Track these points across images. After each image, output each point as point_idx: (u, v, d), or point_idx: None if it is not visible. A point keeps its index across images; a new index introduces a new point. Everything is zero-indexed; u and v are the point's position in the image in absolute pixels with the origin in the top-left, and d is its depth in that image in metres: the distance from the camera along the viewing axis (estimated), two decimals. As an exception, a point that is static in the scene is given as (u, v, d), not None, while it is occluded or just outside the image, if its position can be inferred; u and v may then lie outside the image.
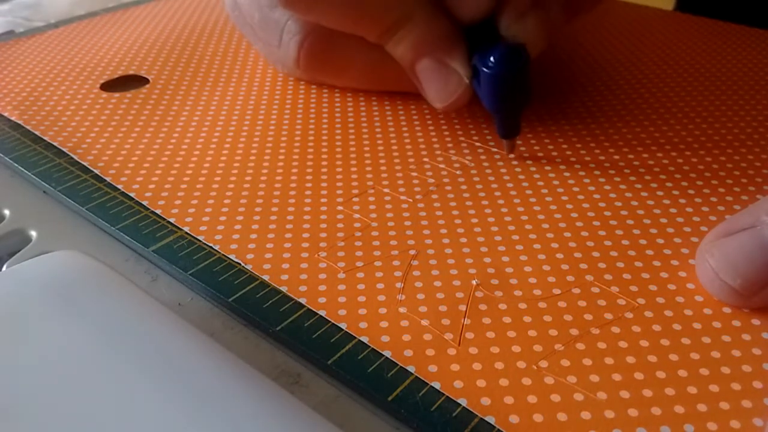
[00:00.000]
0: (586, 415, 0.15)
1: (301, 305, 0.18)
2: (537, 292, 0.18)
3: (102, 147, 0.25)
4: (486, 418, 0.15)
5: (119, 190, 0.23)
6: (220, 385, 0.14)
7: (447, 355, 0.16)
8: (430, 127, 0.27)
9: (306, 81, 0.31)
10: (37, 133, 0.26)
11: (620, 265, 0.19)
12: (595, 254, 0.20)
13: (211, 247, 0.20)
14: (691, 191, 0.23)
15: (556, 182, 0.23)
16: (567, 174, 0.24)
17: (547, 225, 0.21)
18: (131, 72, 0.31)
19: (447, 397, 0.15)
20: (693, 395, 0.15)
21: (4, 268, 0.20)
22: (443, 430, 0.15)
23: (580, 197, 0.22)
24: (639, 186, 0.23)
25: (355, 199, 0.22)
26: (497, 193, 0.23)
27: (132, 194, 0.23)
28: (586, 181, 0.23)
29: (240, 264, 0.20)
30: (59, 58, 0.33)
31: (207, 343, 0.15)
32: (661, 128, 0.26)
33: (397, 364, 0.16)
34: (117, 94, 0.29)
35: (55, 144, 0.25)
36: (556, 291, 0.18)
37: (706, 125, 0.27)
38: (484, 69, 0.22)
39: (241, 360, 0.15)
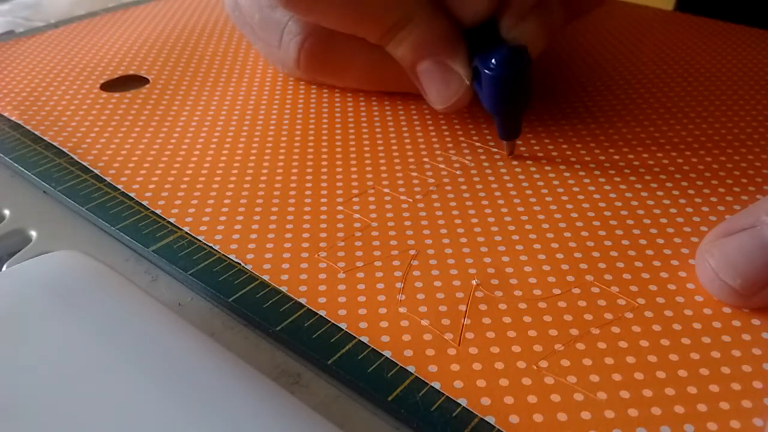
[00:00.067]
0: (586, 415, 0.15)
1: (301, 305, 0.18)
2: (537, 292, 0.18)
3: (102, 147, 0.25)
4: (486, 418, 0.15)
5: (119, 190, 0.23)
6: (220, 385, 0.14)
7: (447, 355, 0.16)
8: (430, 127, 0.27)
9: (306, 81, 0.31)
10: (37, 133, 0.26)
11: (620, 265, 0.19)
12: (595, 254, 0.20)
13: (211, 247, 0.20)
14: (691, 191, 0.23)
15: (556, 182, 0.23)
16: (567, 174, 0.24)
17: (547, 225, 0.21)
18: (131, 72, 0.31)
19: (447, 397, 0.15)
20: (693, 395, 0.15)
21: (4, 268, 0.20)
22: (443, 430, 0.15)
23: (580, 197, 0.22)
24: (639, 186, 0.23)
25: (355, 199, 0.22)
26: (497, 193, 0.23)
27: (132, 194, 0.23)
28: (586, 181, 0.23)
29: (240, 264, 0.20)
30: (59, 58, 0.33)
31: (207, 343, 0.15)
32: (661, 128, 0.26)
33: (397, 364, 0.16)
34: (117, 94, 0.29)
35: (55, 144, 0.25)
36: (556, 291, 0.18)
37: (706, 125, 0.27)
38: (486, 71, 0.22)
39: (241, 360, 0.15)
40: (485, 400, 0.15)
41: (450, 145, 0.26)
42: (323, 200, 0.22)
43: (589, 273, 0.19)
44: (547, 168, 0.24)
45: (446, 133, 0.27)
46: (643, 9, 0.38)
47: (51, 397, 0.13)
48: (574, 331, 0.17)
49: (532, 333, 0.17)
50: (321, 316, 0.18)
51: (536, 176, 0.24)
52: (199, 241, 0.20)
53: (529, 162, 0.24)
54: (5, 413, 0.13)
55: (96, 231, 0.22)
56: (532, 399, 0.15)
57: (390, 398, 0.15)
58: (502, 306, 0.18)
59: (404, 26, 0.24)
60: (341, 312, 0.18)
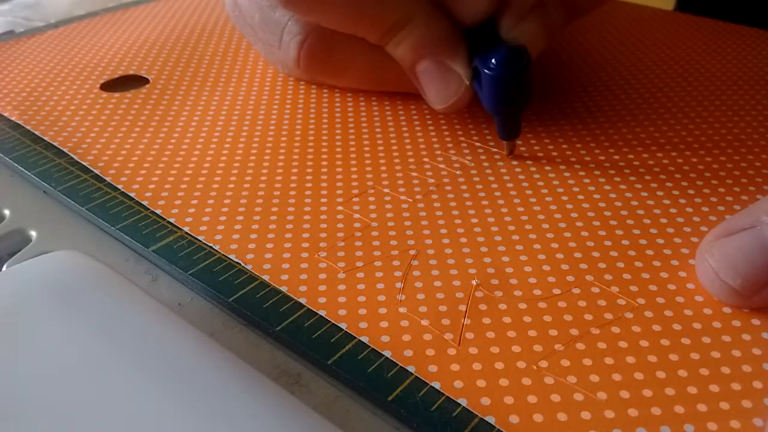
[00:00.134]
0: (586, 415, 0.15)
1: (301, 305, 0.18)
2: (537, 292, 0.18)
3: (102, 147, 0.25)
4: (486, 418, 0.15)
5: (119, 190, 0.23)
6: (220, 385, 0.14)
7: (447, 355, 0.16)
8: (430, 127, 0.27)
9: (306, 81, 0.31)
10: (37, 133, 0.26)
11: (620, 265, 0.19)
12: (595, 254, 0.20)
13: (211, 247, 0.20)
14: (691, 191, 0.23)
15: (556, 182, 0.23)
16: (567, 174, 0.24)
17: (547, 225, 0.21)
18: (131, 72, 0.31)
19: (447, 397, 0.15)
20: (693, 395, 0.15)
21: (4, 268, 0.20)
22: (443, 430, 0.15)
23: (580, 197, 0.22)
24: (639, 186, 0.23)
25: (355, 199, 0.22)
26: (497, 193, 0.23)
27: (132, 194, 0.23)
28: (586, 181, 0.23)
29: (240, 264, 0.20)
30: (59, 58, 0.33)
31: (207, 343, 0.15)
32: (661, 128, 0.26)
33: (397, 364, 0.16)
34: (117, 94, 0.29)
35: (55, 144, 0.25)
36: (556, 291, 0.18)
37: (706, 125, 0.27)
38: (486, 71, 0.22)
39: (241, 360, 0.15)
40: (485, 400, 0.15)
41: (450, 145, 0.26)
42: (323, 200, 0.22)
43: (589, 273, 0.19)
44: (547, 168, 0.24)
45: (446, 133, 0.27)
46: (643, 9, 0.38)
47: (51, 397, 0.13)
48: (574, 331, 0.17)
49: (532, 333, 0.17)
50: (321, 316, 0.18)
51: (536, 176, 0.24)
52: (199, 241, 0.20)
53: (529, 162, 0.24)
54: (5, 413, 0.13)
55: (96, 231, 0.22)
56: (532, 399, 0.15)
57: (390, 398, 0.15)
58: (502, 306, 0.18)
59: (404, 26, 0.24)
60: (341, 312, 0.18)
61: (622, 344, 0.17)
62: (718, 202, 0.22)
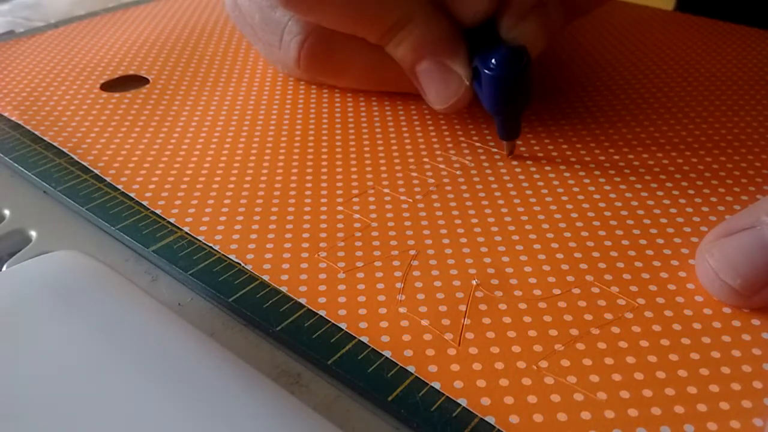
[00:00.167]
0: (586, 415, 0.15)
1: (301, 305, 0.18)
2: (537, 292, 0.18)
3: (102, 147, 0.25)
4: (486, 418, 0.15)
5: (119, 190, 0.23)
6: (220, 385, 0.14)
7: (447, 355, 0.16)
8: (430, 127, 0.27)
9: (306, 81, 0.31)
10: (37, 133, 0.26)
11: (620, 265, 0.19)
12: (595, 254, 0.20)
13: (211, 247, 0.20)
14: (691, 191, 0.23)
15: (556, 182, 0.23)
16: (567, 174, 0.24)
17: (547, 225, 0.21)
18: (131, 72, 0.31)
19: (447, 397, 0.15)
20: (693, 395, 0.15)
21: (4, 268, 0.20)
22: (443, 430, 0.15)
23: (580, 197, 0.22)
24: (639, 186, 0.23)
25: (355, 199, 0.22)
26: (497, 193, 0.23)
27: (132, 194, 0.23)
28: (586, 181, 0.23)
29: (240, 264, 0.20)
30: (59, 58, 0.33)
31: (207, 343, 0.15)
32: (661, 128, 0.26)
33: (397, 364, 0.16)
34: (117, 94, 0.29)
35: (55, 144, 0.25)
36: (556, 291, 0.18)
37: (706, 125, 0.27)
38: (486, 71, 0.22)
39: (241, 360, 0.15)
40: (485, 400, 0.15)
41: (450, 145, 0.26)
42: (323, 200, 0.22)
43: (589, 273, 0.19)
44: (547, 168, 0.24)
45: (446, 133, 0.27)
46: (643, 9, 0.38)
47: (51, 397, 0.13)
48: (574, 331, 0.17)
49: (532, 333, 0.17)
50: (321, 316, 0.18)
51: (536, 176, 0.24)
52: (199, 241, 0.20)
53: (529, 162, 0.24)
54: (5, 413, 0.13)
55: (96, 231, 0.22)
56: (532, 399, 0.15)
57: (390, 398, 0.15)
58: (502, 306, 0.18)
59: (404, 26, 0.24)
60: (341, 312, 0.18)
61: (622, 344, 0.17)
62: (718, 202, 0.22)
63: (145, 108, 0.28)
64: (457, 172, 0.24)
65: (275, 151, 0.25)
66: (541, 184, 0.23)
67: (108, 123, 0.27)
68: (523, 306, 0.18)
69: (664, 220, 0.21)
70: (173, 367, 0.14)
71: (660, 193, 0.23)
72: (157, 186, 0.23)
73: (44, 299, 0.15)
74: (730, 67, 0.32)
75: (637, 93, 0.29)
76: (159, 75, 0.31)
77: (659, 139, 0.26)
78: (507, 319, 0.17)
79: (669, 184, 0.23)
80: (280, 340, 0.17)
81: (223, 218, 0.21)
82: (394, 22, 0.23)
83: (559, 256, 0.20)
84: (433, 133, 0.26)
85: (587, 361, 0.16)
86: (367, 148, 0.25)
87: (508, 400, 0.15)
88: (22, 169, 0.24)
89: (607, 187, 0.23)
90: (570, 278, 0.19)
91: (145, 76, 0.31)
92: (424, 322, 0.17)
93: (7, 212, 0.23)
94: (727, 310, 0.18)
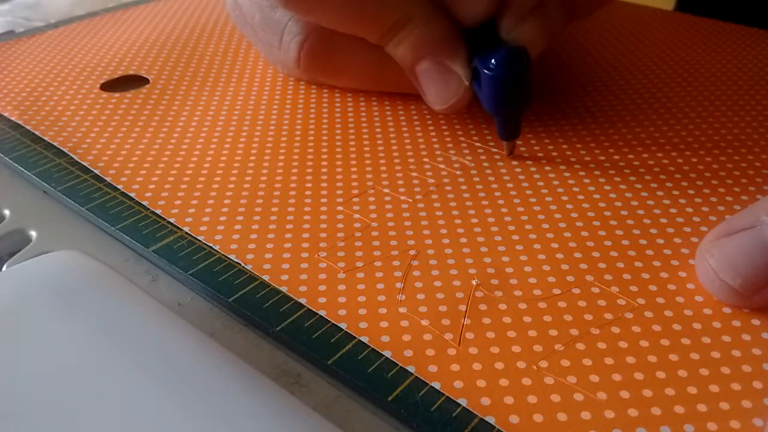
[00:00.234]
0: (586, 415, 0.15)
1: (301, 305, 0.18)
2: (537, 292, 0.18)
3: (102, 147, 0.25)
4: (486, 418, 0.15)
5: (119, 190, 0.23)
6: (220, 385, 0.14)
7: (447, 355, 0.16)
8: (430, 127, 0.27)
9: (306, 81, 0.31)
10: (37, 133, 0.26)
11: (620, 265, 0.19)
12: (595, 254, 0.20)
13: (211, 247, 0.20)
14: (691, 191, 0.23)
15: (556, 182, 0.23)
16: (567, 174, 0.24)
17: (547, 225, 0.21)
18: (131, 72, 0.31)
19: (447, 397, 0.15)
20: (693, 395, 0.15)
21: (4, 268, 0.20)
22: (443, 430, 0.15)
23: (580, 197, 0.22)
24: (639, 186, 0.23)
25: (355, 199, 0.22)
26: (497, 193, 0.23)
27: (132, 194, 0.23)
28: (586, 181, 0.23)
29: (240, 264, 0.20)
30: (59, 58, 0.33)
31: (207, 343, 0.15)
32: (661, 128, 0.26)
33: (397, 364, 0.16)
34: (117, 94, 0.29)
35: (55, 144, 0.25)
36: (556, 291, 0.18)
37: (706, 125, 0.27)
38: (486, 71, 0.22)
39: (241, 360, 0.15)
40: (485, 400, 0.15)
41: (450, 145, 0.26)
42: (323, 200, 0.22)
43: (589, 273, 0.19)
44: (547, 168, 0.24)
45: (446, 133, 0.27)
46: (643, 9, 0.38)
47: (51, 397, 0.13)
48: (574, 331, 0.17)
49: (532, 333, 0.17)
50: (321, 316, 0.18)
51: (536, 176, 0.24)
52: (199, 241, 0.20)
53: (529, 162, 0.24)
54: (5, 413, 0.13)
55: (96, 231, 0.22)
56: (532, 399, 0.15)
57: (390, 398, 0.15)
58: (502, 306, 0.18)
59: (404, 26, 0.24)
60: (341, 312, 0.18)
61: (622, 344, 0.17)
62: (718, 202, 0.22)
63: (145, 108, 0.28)
64: (457, 172, 0.24)
65: (275, 151, 0.25)
66: (541, 184, 0.23)
67: (108, 123, 0.27)
68: (523, 306, 0.18)
69: (664, 220, 0.21)
70: (173, 367, 0.14)
71: (660, 193, 0.23)
72: (157, 186, 0.23)
73: (44, 299, 0.15)
74: (730, 67, 0.32)
75: (637, 93, 0.29)
76: (159, 75, 0.31)
77: (659, 139, 0.26)
78: (507, 319, 0.17)
79: (669, 184, 0.23)
80: (280, 340, 0.17)
81: (223, 218, 0.21)
82: (394, 22, 0.23)
83: (559, 256, 0.20)
84: (433, 133, 0.26)
85: (587, 361, 0.16)
86: (367, 148, 0.25)
87: (508, 400, 0.15)
88: (22, 169, 0.24)
89: (607, 187, 0.23)
90: (570, 278, 0.19)
91: (145, 76, 0.31)
92: (424, 322, 0.17)
93: (7, 212, 0.23)
94: (727, 310, 0.18)
